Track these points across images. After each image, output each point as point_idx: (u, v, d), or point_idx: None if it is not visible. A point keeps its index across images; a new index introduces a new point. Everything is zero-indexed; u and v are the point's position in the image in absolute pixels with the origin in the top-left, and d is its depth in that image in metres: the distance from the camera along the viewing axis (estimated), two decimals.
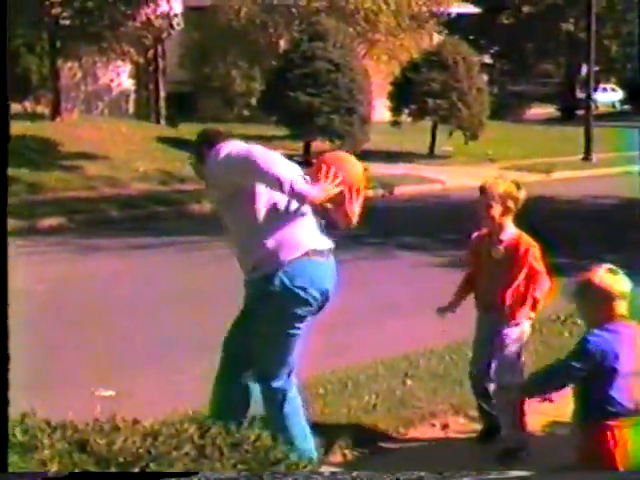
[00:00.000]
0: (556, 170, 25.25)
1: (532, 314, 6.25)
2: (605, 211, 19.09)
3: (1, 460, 3.54)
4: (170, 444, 3.71)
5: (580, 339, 4.83)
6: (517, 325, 6.20)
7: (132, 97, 30.09)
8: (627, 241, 13.11)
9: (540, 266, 6.20)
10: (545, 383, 4.98)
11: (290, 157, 21.36)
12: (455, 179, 22.67)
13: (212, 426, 3.85)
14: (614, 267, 4.79)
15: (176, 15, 25.97)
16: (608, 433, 4.66)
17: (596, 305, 4.74)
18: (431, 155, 26.87)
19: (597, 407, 4.68)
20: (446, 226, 15.66)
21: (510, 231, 6.25)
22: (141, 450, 3.73)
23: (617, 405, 4.64)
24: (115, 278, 12.12)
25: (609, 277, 4.71)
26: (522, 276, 6.14)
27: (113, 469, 3.63)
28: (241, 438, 3.74)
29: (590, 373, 4.65)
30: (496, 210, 6.19)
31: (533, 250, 6.19)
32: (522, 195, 6.22)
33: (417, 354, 8.17)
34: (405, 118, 27.43)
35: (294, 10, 28.90)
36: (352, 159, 5.75)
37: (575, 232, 15.43)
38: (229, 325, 5.67)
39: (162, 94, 28.29)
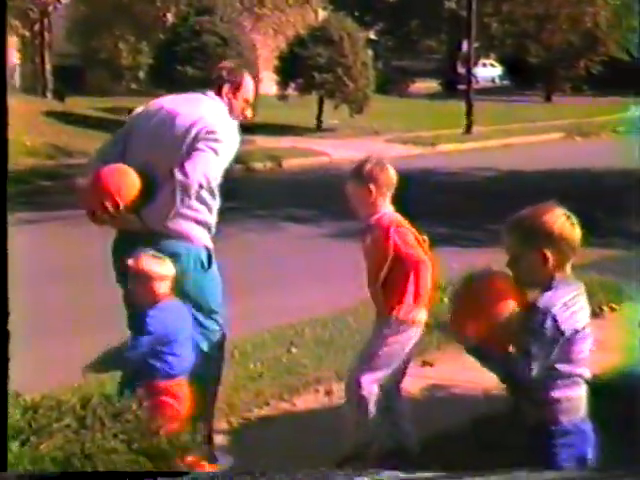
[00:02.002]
0: (439, 143, 25.49)
1: (420, 315, 5.33)
2: (486, 183, 19.32)
3: (1, 460, 3.44)
4: (50, 416, 3.64)
5: None
6: (400, 327, 5.32)
7: (18, 71, 29.50)
8: (507, 212, 13.26)
9: (414, 250, 5.29)
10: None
11: None
12: (341, 152, 22.71)
13: (93, 397, 3.79)
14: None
15: None
16: None
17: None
18: (318, 128, 26.90)
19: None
20: (332, 198, 15.66)
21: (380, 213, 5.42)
22: (22, 423, 3.65)
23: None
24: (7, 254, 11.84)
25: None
26: (388, 263, 5.29)
27: None
28: (122, 408, 3.68)
29: None
30: (368, 193, 5.38)
31: (400, 230, 5.33)
32: (394, 176, 5.44)
33: (303, 323, 8.17)
34: (292, 92, 27.43)
35: None
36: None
37: (458, 204, 15.61)
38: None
39: (48, 67, 27.80)
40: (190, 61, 23.62)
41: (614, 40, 43.98)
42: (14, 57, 29.08)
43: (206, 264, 5.31)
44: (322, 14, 31.28)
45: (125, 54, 29.89)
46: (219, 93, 5.47)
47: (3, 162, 3.74)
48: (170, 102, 5.50)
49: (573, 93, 44.73)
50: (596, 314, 8.65)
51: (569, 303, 3.74)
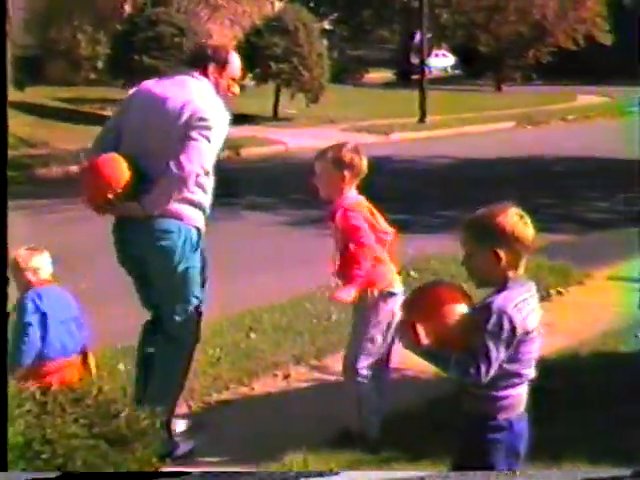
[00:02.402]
0: (393, 131, 25.52)
1: (387, 281, 5.40)
2: (439, 170, 19.38)
3: (1, 460, 3.41)
4: (11, 404, 3.62)
5: None
6: (378, 300, 5.39)
7: None
8: (460, 198, 13.33)
9: (357, 233, 5.32)
10: None
11: None
12: (298, 140, 22.70)
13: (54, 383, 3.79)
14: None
15: None
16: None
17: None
18: (275, 117, 26.86)
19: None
20: (289, 186, 15.70)
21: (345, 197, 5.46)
22: None
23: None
24: None
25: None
26: (342, 245, 5.37)
27: None
28: (83, 393, 3.67)
29: None
30: (341, 178, 5.42)
31: (349, 214, 5.37)
32: (364, 161, 5.48)
33: (261, 309, 8.16)
34: (249, 81, 27.35)
35: None
36: None
37: (412, 191, 15.65)
38: None
39: (7, 58, 27.55)
40: (147, 51, 23.54)
41: (562, 30, 44.20)
42: None
43: (193, 242, 5.36)
44: (278, 5, 31.21)
45: (83, 44, 29.67)
46: (205, 73, 5.44)
47: (3, 163, 3.71)
48: (158, 86, 5.48)
49: (523, 82, 44.92)
50: (544, 298, 8.73)
51: (521, 305, 3.71)
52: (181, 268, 5.32)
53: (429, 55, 39.92)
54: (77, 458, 3.38)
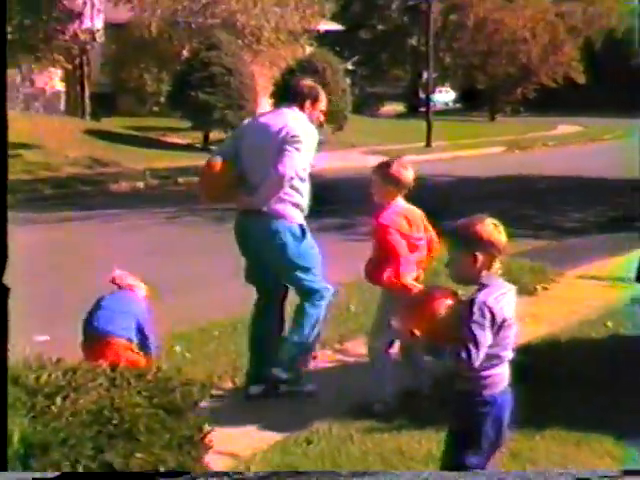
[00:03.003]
0: (405, 154, 25.40)
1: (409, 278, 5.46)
2: (443, 186, 19.32)
3: (1, 460, 3.31)
4: (87, 377, 3.62)
5: None
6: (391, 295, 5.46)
7: (63, 97, 29.38)
8: (460, 209, 13.26)
9: (388, 245, 5.48)
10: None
11: (191, 145, 21.11)
12: (326, 162, 22.65)
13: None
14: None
15: (98, 30, 25.63)
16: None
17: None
18: None
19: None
20: (319, 199, 15.61)
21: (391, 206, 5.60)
22: (63, 382, 3.64)
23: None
24: (51, 245, 11.82)
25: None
26: (376, 251, 5.59)
27: (40, 398, 3.53)
28: (145, 370, 3.67)
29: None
30: (384, 189, 5.58)
31: (383, 228, 5.53)
32: (409, 175, 5.68)
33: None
34: None
35: (194, 26, 28.56)
36: None
37: (422, 203, 15.57)
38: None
39: (87, 94, 27.71)
40: (201, 88, 23.60)
41: (544, 72, 44.03)
42: (59, 86, 28.96)
43: (300, 236, 5.74)
44: (309, 49, 31.17)
45: (149, 82, 29.79)
46: (301, 107, 5.84)
47: (3, 162, 3.68)
48: (265, 116, 6.10)
49: (512, 114, 44.77)
50: (531, 293, 8.67)
51: (499, 297, 3.72)
52: (294, 256, 5.73)
53: (434, 91, 39.78)
54: (140, 424, 3.38)
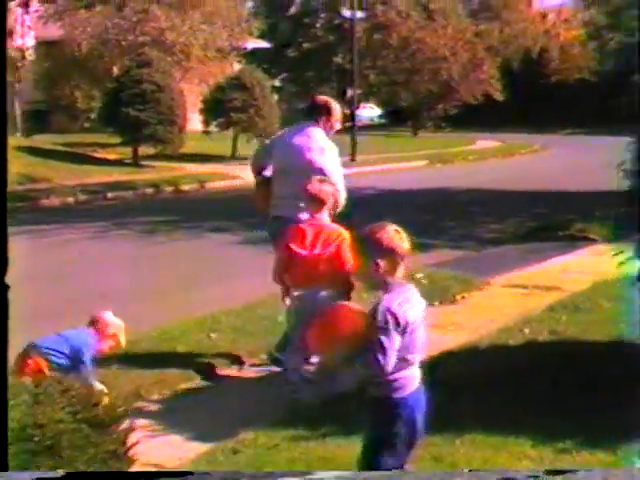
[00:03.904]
0: None
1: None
2: (367, 199, 19.36)
3: (1, 460, 3.22)
4: (10, 394, 3.50)
5: None
6: None
7: None
8: (383, 221, 13.26)
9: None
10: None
11: (121, 160, 20.85)
12: (252, 175, 22.58)
13: (46, 378, 3.67)
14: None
15: (28, 48, 25.21)
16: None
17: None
18: (234, 157, 26.73)
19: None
20: (246, 211, 15.58)
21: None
22: None
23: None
24: None
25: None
26: None
27: None
28: (69, 386, 3.56)
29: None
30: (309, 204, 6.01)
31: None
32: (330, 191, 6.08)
33: (220, 313, 8.03)
34: (214, 128, 27.32)
35: (124, 43, 28.29)
36: None
37: (346, 215, 15.59)
38: None
39: (18, 112, 27.23)
40: (132, 104, 23.35)
41: (464, 89, 44.55)
42: None
43: None
44: (237, 66, 31.12)
45: (80, 99, 29.46)
46: (317, 120, 6.56)
47: (3, 162, 3.57)
48: (291, 131, 6.85)
49: (434, 129, 45.23)
50: (452, 302, 8.72)
51: (402, 302, 3.69)
52: None
53: (359, 107, 39.99)
54: (63, 440, 3.27)
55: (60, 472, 3.22)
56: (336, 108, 6.66)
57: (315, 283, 5.70)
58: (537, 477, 3.99)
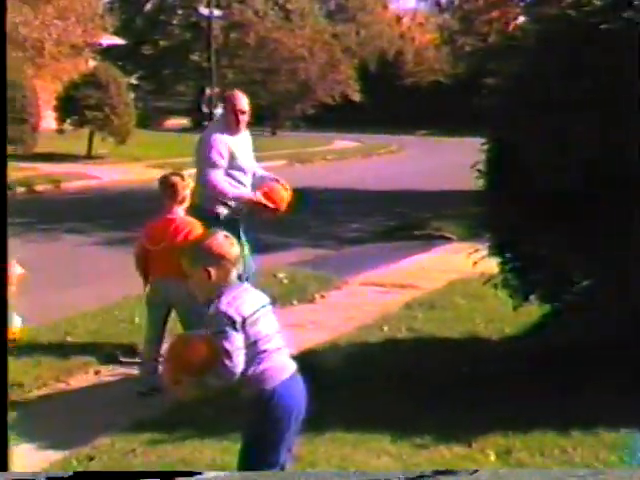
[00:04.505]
0: (187, 168, 25.15)
1: None
2: None
3: (1, 460, 3.19)
4: None
5: None
6: None
7: None
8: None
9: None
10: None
11: None
12: (109, 175, 22.23)
13: None
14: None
15: None
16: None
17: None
18: (89, 156, 26.15)
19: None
20: (102, 213, 15.28)
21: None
22: None
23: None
24: None
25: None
26: None
27: None
28: None
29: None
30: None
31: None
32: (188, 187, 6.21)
33: (76, 316, 7.82)
34: (68, 127, 26.65)
35: None
36: None
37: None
38: None
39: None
40: None
41: (322, 89, 45.00)
42: None
43: None
44: (92, 63, 30.46)
45: None
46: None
47: (3, 163, 3.37)
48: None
49: (293, 129, 45.50)
50: (310, 301, 8.77)
51: (231, 300, 3.65)
52: None
53: (217, 106, 39.82)
54: None
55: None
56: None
57: (165, 274, 5.89)
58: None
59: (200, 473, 3.52)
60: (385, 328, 7.44)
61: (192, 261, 3.74)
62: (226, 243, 3.74)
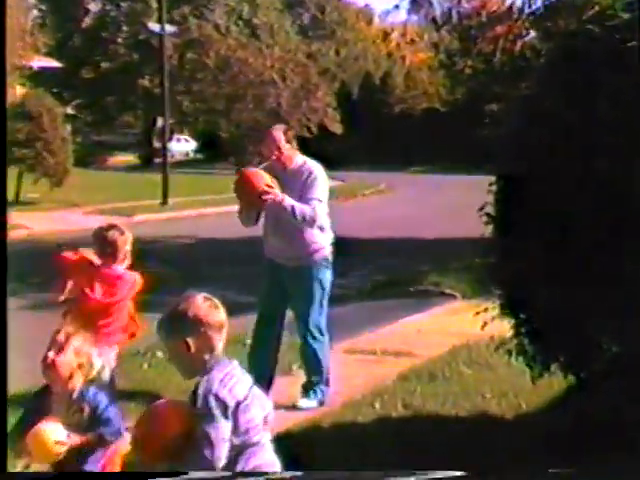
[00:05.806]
0: (137, 213, 25.24)
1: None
2: (182, 249, 19.27)
3: (1, 460, 3.43)
4: None
5: None
6: None
7: None
8: (204, 275, 13.18)
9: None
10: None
11: None
12: (41, 224, 22.13)
13: None
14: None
15: None
16: None
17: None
18: (17, 202, 26.08)
19: None
20: (32, 270, 15.16)
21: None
22: None
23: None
24: None
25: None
26: None
27: None
28: None
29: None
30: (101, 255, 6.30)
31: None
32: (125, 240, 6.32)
33: None
34: None
35: None
36: None
37: (153, 270, 15.40)
38: None
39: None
40: None
41: (296, 119, 45.23)
42: None
43: None
44: (21, 90, 30.55)
45: None
46: None
47: (3, 163, 3.38)
48: None
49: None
50: (286, 373, 8.70)
51: (225, 380, 3.60)
52: None
53: (171, 140, 39.96)
54: None
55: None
56: None
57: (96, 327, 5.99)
58: None
59: (186, 473, 3.47)
60: (377, 405, 7.39)
61: (166, 333, 3.67)
62: (204, 306, 3.66)
